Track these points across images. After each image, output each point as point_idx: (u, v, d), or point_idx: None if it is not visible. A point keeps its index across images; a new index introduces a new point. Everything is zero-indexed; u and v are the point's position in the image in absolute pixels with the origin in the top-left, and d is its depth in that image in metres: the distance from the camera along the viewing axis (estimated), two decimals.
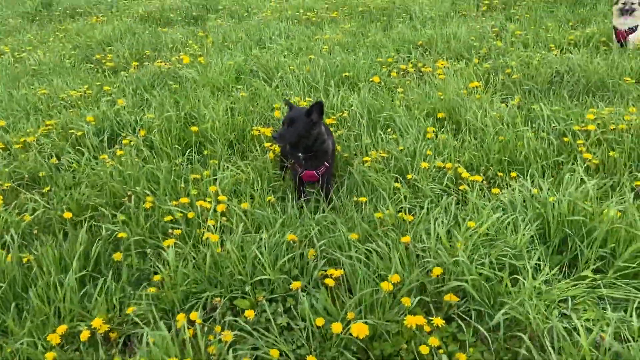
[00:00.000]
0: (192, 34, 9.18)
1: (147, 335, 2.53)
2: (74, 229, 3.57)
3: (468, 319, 2.60)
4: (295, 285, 2.81)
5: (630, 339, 2.35)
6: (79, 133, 4.89)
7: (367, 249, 2.99)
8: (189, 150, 4.49)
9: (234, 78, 6.41)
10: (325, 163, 3.54)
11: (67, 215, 3.66)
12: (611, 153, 3.76)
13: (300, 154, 3.49)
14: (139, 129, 4.87)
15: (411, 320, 2.45)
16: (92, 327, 2.74)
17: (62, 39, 9.33)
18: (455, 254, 2.82)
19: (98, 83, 6.44)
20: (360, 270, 2.77)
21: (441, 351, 2.41)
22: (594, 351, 2.24)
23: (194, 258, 3.14)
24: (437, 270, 2.76)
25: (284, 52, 7.37)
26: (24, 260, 3.21)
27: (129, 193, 3.86)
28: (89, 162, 4.44)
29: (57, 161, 4.56)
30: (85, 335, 2.70)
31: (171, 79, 6.50)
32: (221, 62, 6.86)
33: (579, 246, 2.94)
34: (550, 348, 2.27)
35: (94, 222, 3.59)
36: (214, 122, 4.83)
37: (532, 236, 3.02)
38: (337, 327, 2.50)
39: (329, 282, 2.72)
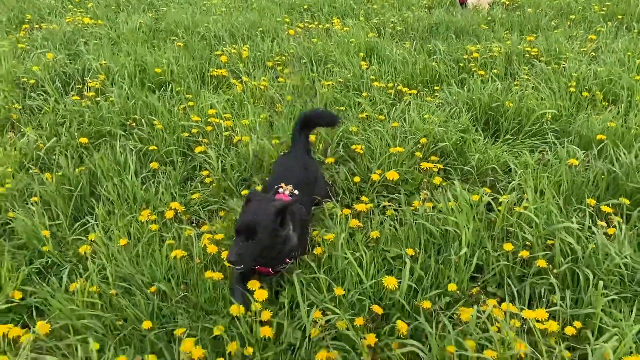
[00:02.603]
0: None
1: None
2: (95, 151, 3.88)
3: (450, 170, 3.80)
4: (329, 160, 3.71)
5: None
6: (32, 81, 4.93)
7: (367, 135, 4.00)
8: (161, 88, 4.93)
9: (150, 35, 6.72)
10: (287, 259, 2.64)
11: (83, 140, 3.95)
12: (495, 70, 5.31)
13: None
14: (94, 76, 5.08)
15: (425, 165, 3.55)
16: (173, 208, 3.28)
17: None
18: (430, 131, 3.99)
19: (5, 42, 6.18)
20: (376, 142, 3.77)
21: (445, 183, 3.54)
22: (539, 166, 3.59)
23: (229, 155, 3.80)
24: (423, 140, 3.89)
25: (184, 13, 7.75)
26: (78, 171, 3.52)
27: (130, 121, 4.26)
28: (59, 104, 4.59)
29: (20, 107, 4.60)
30: (170, 214, 3.24)
31: (82, 37, 6.53)
32: (128, 21, 7.06)
33: (500, 121, 4.34)
34: (514, 167, 3.57)
35: (118, 142, 3.93)
36: (170, 65, 5.27)
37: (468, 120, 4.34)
38: (375, 177, 3.49)
39: (359, 150, 3.68)
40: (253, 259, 2.42)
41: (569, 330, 2.30)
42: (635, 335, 2.23)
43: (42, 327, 2.37)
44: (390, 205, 3.37)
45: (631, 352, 2.12)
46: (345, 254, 2.70)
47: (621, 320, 2.29)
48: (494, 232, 2.97)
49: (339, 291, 2.54)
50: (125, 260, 2.78)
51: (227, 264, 2.42)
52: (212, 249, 2.80)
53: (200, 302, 2.57)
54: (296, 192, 2.87)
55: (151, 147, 3.87)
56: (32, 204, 3.21)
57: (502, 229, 2.97)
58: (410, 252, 2.79)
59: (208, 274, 2.61)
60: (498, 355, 2.14)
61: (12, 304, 2.62)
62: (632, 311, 2.35)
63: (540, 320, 2.32)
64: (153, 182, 3.60)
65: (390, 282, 2.52)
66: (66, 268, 2.78)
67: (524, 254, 2.70)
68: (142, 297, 2.54)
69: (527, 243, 2.81)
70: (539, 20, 7.27)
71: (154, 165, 3.76)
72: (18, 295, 2.65)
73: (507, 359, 2.13)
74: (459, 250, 2.77)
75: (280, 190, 2.85)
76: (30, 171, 3.60)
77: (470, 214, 3.01)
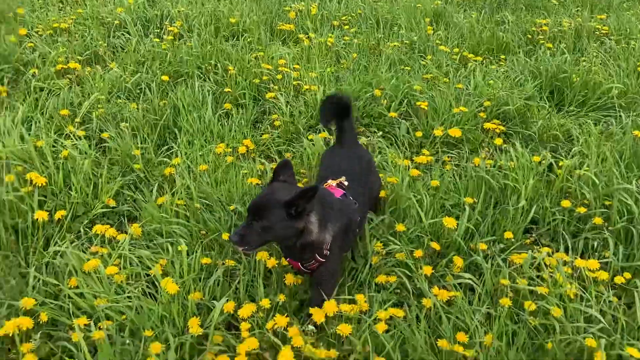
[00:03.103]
0: None
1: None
2: (176, 88, 4.17)
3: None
4: (392, 114, 3.88)
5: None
6: (116, 22, 5.25)
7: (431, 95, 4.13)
8: (234, 38, 5.17)
9: None
10: (318, 256, 2.29)
11: (165, 78, 4.24)
12: (563, 45, 5.28)
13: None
14: (173, 21, 5.36)
15: (488, 125, 3.67)
16: (245, 144, 3.53)
17: None
18: (494, 95, 4.08)
19: None
20: (440, 101, 3.91)
21: (505, 145, 3.65)
22: (602, 135, 3.65)
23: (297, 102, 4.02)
24: (487, 103, 3.99)
25: None
26: (162, 103, 3.82)
27: (206, 65, 4.52)
28: (140, 44, 4.89)
29: (105, 44, 4.92)
30: (242, 149, 3.50)
31: None
32: None
33: (565, 92, 4.37)
34: (577, 135, 3.64)
35: (196, 81, 4.20)
36: (242, 16, 5.50)
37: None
38: (438, 132, 3.64)
39: (424, 106, 3.83)
40: (259, 244, 2.15)
41: (618, 280, 2.43)
42: None
43: (135, 229, 2.68)
44: (450, 161, 3.53)
45: None
46: (408, 194, 2.89)
47: None
48: (552, 191, 3.08)
49: (400, 227, 2.74)
50: (207, 182, 3.06)
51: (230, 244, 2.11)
52: None
53: None
54: (346, 182, 2.50)
55: (226, 89, 4.13)
56: (123, 128, 3.52)
57: (561, 189, 3.08)
58: (469, 200, 2.95)
59: None
60: (549, 291, 2.30)
61: (106, 210, 2.95)
62: None
63: (591, 269, 2.46)
64: (227, 121, 3.87)
65: (450, 222, 2.70)
66: (154, 185, 3.08)
67: (581, 210, 2.82)
68: (222, 213, 2.82)
69: (585, 202, 2.92)
70: (611, 1, 7.11)
71: (227, 105, 4.01)
72: (112, 202, 2.98)
73: (557, 296, 2.29)
74: (517, 203, 2.92)
75: (329, 181, 2.52)
76: (119, 100, 3.92)
77: (531, 172, 3.14)
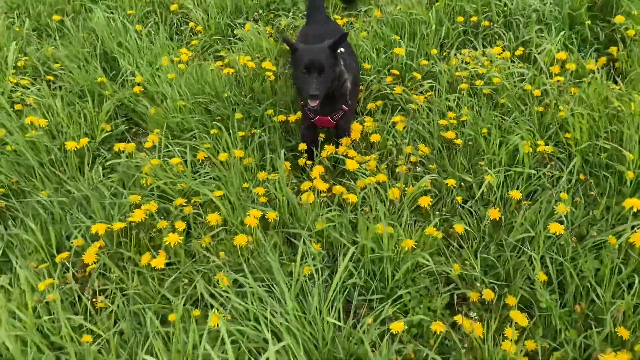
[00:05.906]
0: None
1: None
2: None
3: None
4: None
5: None
6: None
7: None
8: None
9: None
10: (343, 106, 2.84)
11: (56, 17, 4.09)
12: None
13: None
14: None
15: None
16: (184, 53, 3.78)
17: None
18: None
19: None
20: None
21: None
22: None
23: None
24: None
25: None
26: (82, 36, 3.77)
27: None
28: None
29: None
30: (184, 57, 3.74)
31: None
32: None
33: None
34: None
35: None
36: None
37: None
38: None
39: None
40: (324, 91, 2.58)
41: (518, 52, 3.47)
42: (559, 44, 3.45)
43: (153, 137, 2.91)
44: (357, 18, 4.22)
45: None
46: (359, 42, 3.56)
47: (547, 38, 3.52)
48: (441, 15, 3.97)
49: (366, 65, 3.42)
50: (190, 83, 3.33)
51: (309, 104, 2.56)
52: (251, 64, 3.43)
53: (264, 98, 3.28)
54: (342, 50, 2.80)
55: (129, 12, 4.16)
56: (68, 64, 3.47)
57: (452, 9, 3.98)
58: (396, 37, 3.71)
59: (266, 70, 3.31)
60: (487, 71, 3.24)
61: (106, 134, 3.09)
62: (554, 34, 3.56)
63: (498, 53, 3.45)
64: (149, 42, 3.97)
65: (399, 50, 3.46)
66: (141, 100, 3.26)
67: (474, 18, 3.78)
68: (223, 102, 3.18)
69: (471, 13, 3.88)
70: None
71: (137, 27, 4.07)
72: (108, 127, 3.12)
73: (490, 72, 3.24)
74: (428, 28, 3.77)
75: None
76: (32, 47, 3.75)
77: (424, 6, 3.99)
